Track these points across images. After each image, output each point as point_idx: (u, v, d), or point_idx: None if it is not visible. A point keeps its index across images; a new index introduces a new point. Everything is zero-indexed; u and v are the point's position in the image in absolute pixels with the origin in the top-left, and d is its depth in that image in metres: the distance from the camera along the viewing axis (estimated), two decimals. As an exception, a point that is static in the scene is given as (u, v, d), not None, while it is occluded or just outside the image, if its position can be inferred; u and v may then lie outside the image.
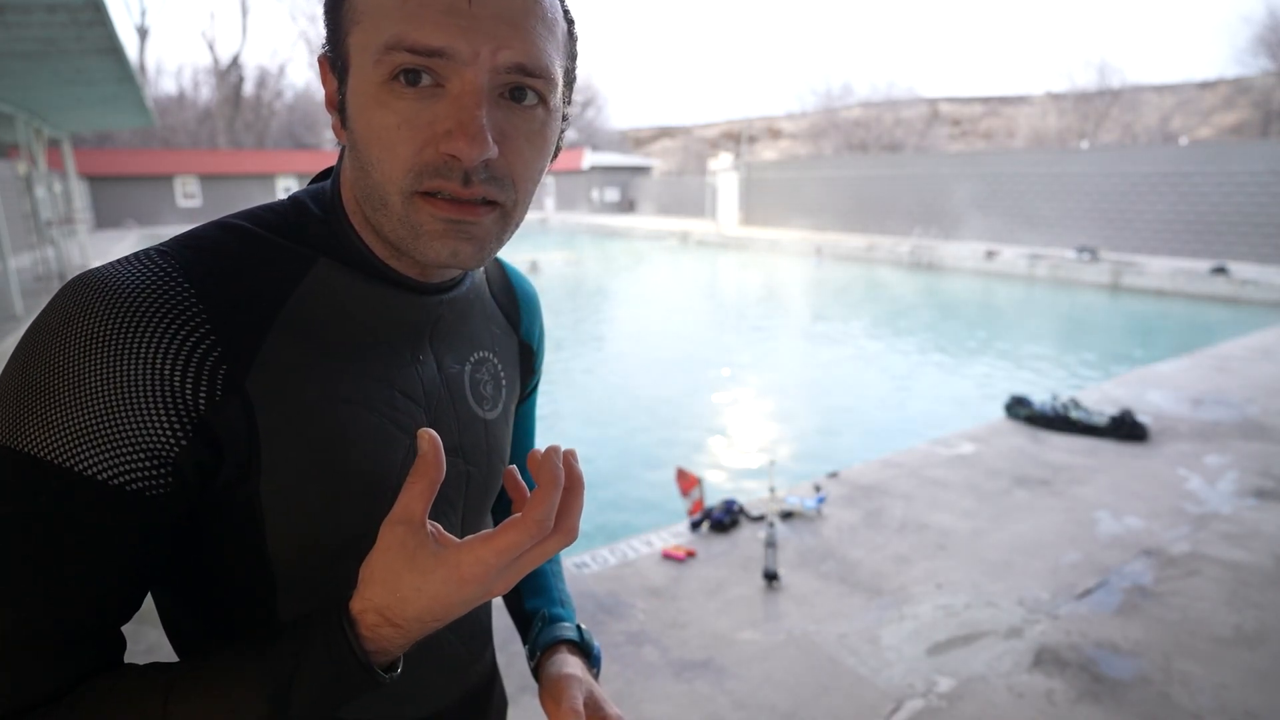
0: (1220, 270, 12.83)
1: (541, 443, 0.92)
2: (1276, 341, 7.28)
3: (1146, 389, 5.61)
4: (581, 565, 3.04)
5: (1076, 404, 4.83)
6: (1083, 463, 4.14)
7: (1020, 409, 4.88)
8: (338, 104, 0.54)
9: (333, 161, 0.64)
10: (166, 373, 0.49)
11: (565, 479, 0.48)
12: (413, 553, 0.46)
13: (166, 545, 0.52)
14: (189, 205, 31.01)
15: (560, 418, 6.75)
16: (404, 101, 0.49)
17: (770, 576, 2.87)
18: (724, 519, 3.33)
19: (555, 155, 0.58)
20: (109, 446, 0.47)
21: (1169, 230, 15.69)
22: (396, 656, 0.50)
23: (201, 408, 0.50)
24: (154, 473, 0.49)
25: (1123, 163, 16.55)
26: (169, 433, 0.49)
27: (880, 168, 22.53)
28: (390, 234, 0.53)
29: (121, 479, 0.48)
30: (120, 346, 0.48)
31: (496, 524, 0.88)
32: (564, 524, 0.48)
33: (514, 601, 0.85)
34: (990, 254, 16.12)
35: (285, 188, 31.58)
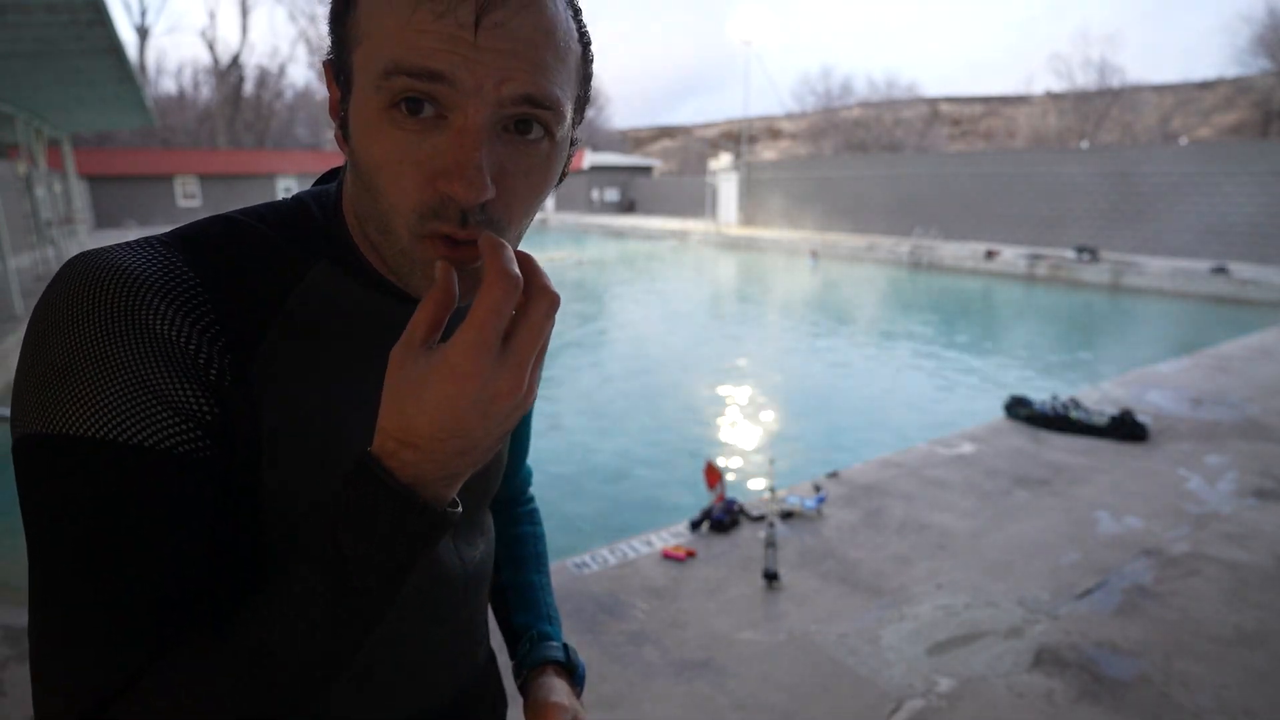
0: (1220, 270, 12.83)
1: (540, 444, 0.92)
2: (1276, 341, 7.29)
3: (1146, 389, 5.61)
4: (581, 565, 3.04)
5: (1076, 404, 4.83)
6: (1083, 463, 4.14)
7: (1020, 409, 4.88)
8: (342, 119, 0.53)
9: (335, 162, 0.63)
10: (183, 343, 0.48)
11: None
12: (405, 365, 0.44)
13: (228, 513, 0.50)
14: (189, 205, 31.01)
15: (561, 417, 6.75)
16: (405, 133, 0.47)
17: (770, 576, 2.87)
18: (724, 519, 3.33)
19: (561, 179, 0.57)
20: (146, 412, 0.46)
21: (1169, 230, 15.69)
22: (440, 491, 0.46)
23: (213, 382, 0.49)
24: (194, 434, 0.48)
25: (1123, 163, 16.56)
26: (200, 400, 0.48)
27: (880, 168, 22.53)
28: (390, 260, 0.53)
29: (167, 443, 0.47)
30: (135, 320, 0.47)
31: (498, 526, 0.88)
32: (535, 283, 0.44)
33: (502, 613, 0.85)
34: (990, 254, 16.12)
35: (285, 188, 31.59)
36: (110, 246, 0.50)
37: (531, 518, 0.93)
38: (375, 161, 0.49)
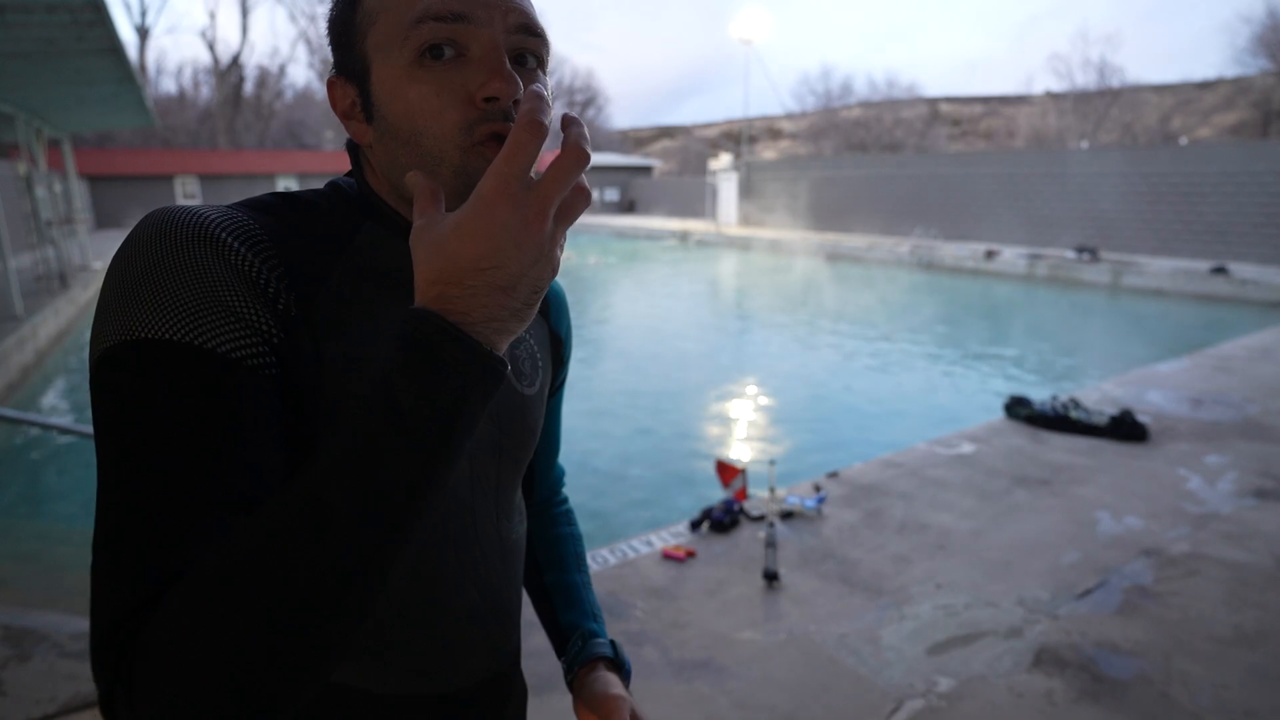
0: (1220, 270, 12.83)
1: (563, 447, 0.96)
2: (1276, 341, 7.28)
3: (1146, 389, 5.61)
4: (582, 565, 3.04)
5: (1076, 404, 4.83)
6: (1083, 463, 4.14)
7: (1020, 409, 4.88)
8: (361, 105, 0.59)
9: (337, 161, 0.66)
10: (254, 274, 0.53)
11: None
12: (431, 226, 0.47)
13: (287, 429, 0.53)
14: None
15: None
16: (434, 73, 0.54)
17: (770, 576, 2.87)
18: (724, 519, 3.33)
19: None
20: (220, 322, 0.50)
21: (1169, 230, 15.69)
22: (488, 336, 0.46)
23: (281, 311, 0.54)
24: (262, 349, 0.52)
25: (1123, 163, 16.56)
26: (268, 321, 0.53)
27: (880, 168, 22.53)
28: (445, 184, 0.56)
29: (238, 353, 0.50)
30: (211, 248, 0.51)
31: (538, 528, 0.92)
32: (570, 139, 0.46)
33: (547, 611, 0.89)
34: (990, 254, 16.12)
35: (285, 188, 31.47)
36: (181, 204, 0.55)
37: (568, 518, 0.97)
38: (413, 105, 0.55)
